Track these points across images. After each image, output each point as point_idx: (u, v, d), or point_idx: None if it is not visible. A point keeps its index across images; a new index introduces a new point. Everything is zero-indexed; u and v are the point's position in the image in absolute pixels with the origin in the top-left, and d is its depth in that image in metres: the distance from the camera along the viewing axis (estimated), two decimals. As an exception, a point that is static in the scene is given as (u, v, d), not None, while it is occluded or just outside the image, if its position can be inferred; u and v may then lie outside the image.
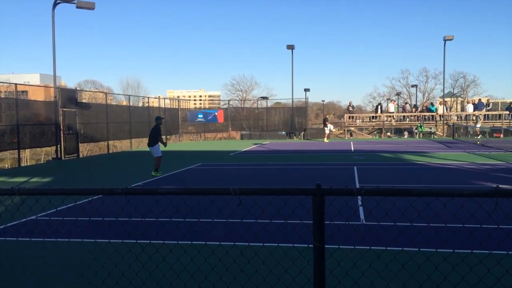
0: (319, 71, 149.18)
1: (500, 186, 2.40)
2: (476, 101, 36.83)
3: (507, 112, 33.79)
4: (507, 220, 4.36)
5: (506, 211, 3.26)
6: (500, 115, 34.17)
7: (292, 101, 37.11)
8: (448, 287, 4.01)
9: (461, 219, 4.93)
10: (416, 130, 34.75)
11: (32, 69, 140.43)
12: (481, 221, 4.16)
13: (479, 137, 30.13)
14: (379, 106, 38.25)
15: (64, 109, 20.95)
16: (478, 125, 31.27)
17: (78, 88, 43.88)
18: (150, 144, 13.67)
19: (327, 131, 31.27)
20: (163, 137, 14.20)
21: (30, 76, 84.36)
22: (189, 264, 4.32)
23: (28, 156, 37.35)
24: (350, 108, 38.41)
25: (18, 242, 6.12)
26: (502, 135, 32.67)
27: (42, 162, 29.67)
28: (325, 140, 30.77)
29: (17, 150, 18.51)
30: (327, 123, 31.56)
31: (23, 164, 20.67)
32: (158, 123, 13.87)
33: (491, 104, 37.57)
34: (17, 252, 5.75)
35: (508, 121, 33.23)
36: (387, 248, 5.07)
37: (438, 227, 6.04)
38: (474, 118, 33.77)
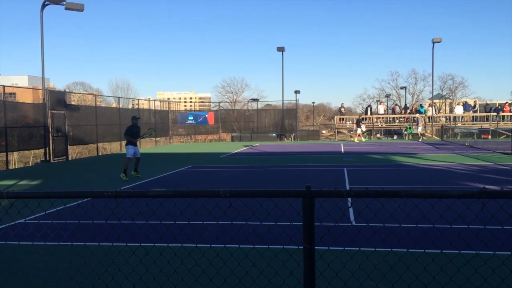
0: (309, 73, 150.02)
1: (487, 187, 2.44)
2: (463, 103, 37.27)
3: (495, 114, 34.20)
4: (494, 220, 4.43)
5: (493, 211, 3.31)
6: (488, 116, 34.57)
7: (283, 103, 37.18)
8: None
9: (448, 220, 5.00)
10: (405, 132, 35.02)
11: (20, 71, 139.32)
12: (468, 222, 4.22)
13: (420, 139, 30.56)
14: (369, 108, 38.49)
15: (52, 111, 20.78)
16: (419, 128, 31.45)
17: (67, 90, 43.55)
18: (126, 143, 13.76)
19: (359, 131, 32.11)
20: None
21: (18, 78, 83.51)
22: (179, 266, 4.32)
23: (16, 159, 36.94)
24: (342, 110, 38.59)
25: (7, 245, 6.07)
26: (490, 136, 33.05)
27: (30, 165, 29.38)
28: (356, 140, 31.80)
29: (5, 153, 18.33)
30: (360, 123, 32.06)
31: (11, 167, 20.45)
32: (133, 122, 13.72)
33: (477, 106, 38.00)
34: (6, 255, 5.70)
35: (495, 122, 33.64)
36: (376, 249, 5.12)
37: (426, 228, 6.10)
38: (414, 120, 33.72)
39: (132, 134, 13.59)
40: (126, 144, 13.73)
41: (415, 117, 32.97)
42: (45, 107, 20.48)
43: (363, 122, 32.85)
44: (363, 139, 32.26)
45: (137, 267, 4.42)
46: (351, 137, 37.68)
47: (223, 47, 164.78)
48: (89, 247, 5.65)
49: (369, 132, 36.81)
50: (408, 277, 4.20)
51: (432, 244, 5.34)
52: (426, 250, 4.71)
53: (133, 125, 13.73)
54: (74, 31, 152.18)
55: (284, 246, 4.91)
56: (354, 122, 33.62)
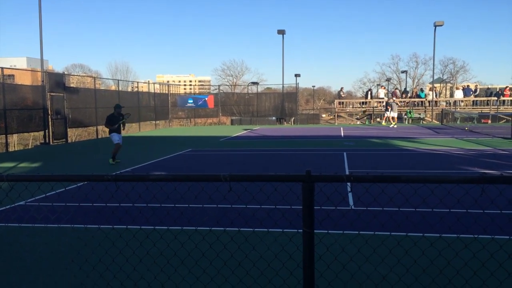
0: (309, 57, 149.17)
1: (486, 171, 2.44)
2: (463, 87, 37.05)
3: (495, 98, 34.08)
4: (493, 205, 4.44)
5: (492, 196, 3.32)
6: (488, 101, 34.48)
7: (283, 86, 37.02)
8: (435, 271, 4.09)
9: (448, 205, 5.02)
10: (405, 116, 34.97)
11: (18, 53, 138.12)
12: (467, 207, 4.23)
13: (393, 125, 28.80)
14: (369, 92, 38.33)
15: (52, 94, 20.70)
16: (393, 114, 29.68)
17: (65, 72, 43.30)
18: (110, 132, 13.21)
19: (387, 114, 31.34)
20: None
21: (16, 60, 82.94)
22: (179, 249, 4.34)
23: (15, 141, 36.93)
24: (342, 94, 38.43)
25: (8, 227, 6.10)
26: (489, 121, 33.01)
27: (30, 147, 29.39)
28: (384, 123, 31.47)
29: (4, 135, 18.31)
30: (388, 107, 31.71)
31: (10, 149, 20.44)
32: (116, 112, 13.06)
33: (478, 90, 37.85)
34: (7, 238, 5.73)
35: (496, 107, 33.56)
36: (375, 233, 5.15)
37: (425, 212, 6.13)
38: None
39: (113, 123, 13.03)
40: (111, 132, 13.13)
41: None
42: (44, 89, 20.39)
43: (390, 105, 32.50)
44: (384, 123, 31.80)
45: (137, 250, 4.45)
46: (357, 120, 37.53)
47: (223, 29, 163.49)
48: (89, 229, 5.68)
49: (369, 116, 36.75)
50: (406, 261, 4.24)
51: (431, 229, 5.38)
52: (425, 235, 4.74)
53: (116, 114, 13.09)
54: (73, 13, 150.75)
55: (284, 230, 4.94)
56: (383, 105, 32.91)
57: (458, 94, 35.41)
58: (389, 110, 30.53)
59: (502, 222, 5.56)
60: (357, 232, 4.99)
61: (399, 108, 32.68)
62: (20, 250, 5.19)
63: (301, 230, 2.61)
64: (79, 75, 58.86)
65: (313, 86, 77.79)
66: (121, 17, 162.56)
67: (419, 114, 35.74)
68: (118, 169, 11.77)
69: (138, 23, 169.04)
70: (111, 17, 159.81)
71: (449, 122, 34.05)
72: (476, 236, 4.69)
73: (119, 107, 13.16)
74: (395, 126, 28.93)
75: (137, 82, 36.07)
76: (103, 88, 46.80)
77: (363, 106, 36.99)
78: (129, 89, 46.35)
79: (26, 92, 19.93)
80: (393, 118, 29.81)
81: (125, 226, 5.32)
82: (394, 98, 32.78)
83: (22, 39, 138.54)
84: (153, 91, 33.27)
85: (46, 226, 5.91)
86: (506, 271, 3.87)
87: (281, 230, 5.09)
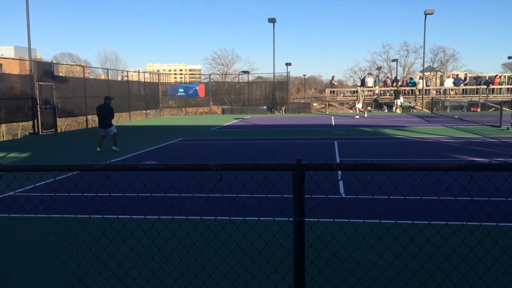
0: (300, 46, 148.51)
1: (475, 159, 2.46)
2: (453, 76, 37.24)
3: (484, 87, 34.32)
4: (481, 193, 4.49)
5: (480, 184, 3.35)
6: (478, 89, 34.70)
7: (274, 75, 36.92)
8: (424, 258, 4.14)
9: (436, 192, 5.06)
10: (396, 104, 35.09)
11: (6, 41, 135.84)
12: (456, 194, 4.28)
13: (356, 116, 27.67)
14: (365, 79, 38.29)
15: (40, 83, 20.45)
16: (359, 104, 28.64)
17: (54, 61, 42.72)
18: (109, 125, 13.31)
19: (398, 102, 32.27)
20: None
21: (4, 49, 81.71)
22: (170, 239, 4.35)
23: (4, 131, 36.59)
24: (334, 82, 38.40)
25: (-3, 218, 6.05)
26: (479, 109, 33.26)
27: (19, 137, 29.10)
28: (398, 110, 32.26)
29: (-8, 125, 18.12)
30: (399, 95, 32.13)
31: (-1, 139, 20.25)
32: (108, 102, 13.34)
33: (468, 79, 38.05)
34: (-4, 228, 5.69)
35: (485, 95, 33.80)
36: (365, 221, 5.19)
37: (414, 200, 6.19)
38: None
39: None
40: (111, 126, 13.42)
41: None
42: (32, 78, 20.13)
43: (401, 94, 32.78)
44: (399, 111, 32.15)
45: (128, 239, 4.45)
46: (351, 109, 37.59)
47: (214, 18, 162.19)
48: (79, 219, 5.65)
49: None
50: (396, 248, 4.28)
51: (420, 216, 5.44)
52: (414, 222, 4.79)
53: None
54: (60, 1, 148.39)
55: (275, 218, 4.95)
56: (392, 93, 33.19)
57: (448, 83, 35.60)
58: (399, 98, 31.10)
59: (489, 209, 5.64)
60: (347, 220, 5.03)
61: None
62: (10, 241, 5.16)
63: (292, 219, 2.62)
64: (68, 64, 58.18)
65: (304, 75, 77.83)
66: (109, 5, 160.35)
67: (409, 102, 35.89)
68: (108, 158, 11.71)
69: (127, 11, 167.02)
70: (99, 5, 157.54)
71: (439, 110, 34.26)
72: (464, 223, 4.75)
73: (110, 98, 13.44)
74: (357, 117, 27.47)
75: (127, 71, 35.69)
76: (92, 77, 46.33)
77: (353, 95, 37.04)
78: (119, 78, 45.95)
79: (14, 82, 19.66)
80: (359, 108, 28.58)
81: (116, 216, 5.31)
82: (358, 88, 32.89)
83: (9, 27, 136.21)
84: (143, 80, 33.00)
85: (36, 216, 5.88)
86: (494, 257, 3.93)
87: (272, 218, 5.11)
